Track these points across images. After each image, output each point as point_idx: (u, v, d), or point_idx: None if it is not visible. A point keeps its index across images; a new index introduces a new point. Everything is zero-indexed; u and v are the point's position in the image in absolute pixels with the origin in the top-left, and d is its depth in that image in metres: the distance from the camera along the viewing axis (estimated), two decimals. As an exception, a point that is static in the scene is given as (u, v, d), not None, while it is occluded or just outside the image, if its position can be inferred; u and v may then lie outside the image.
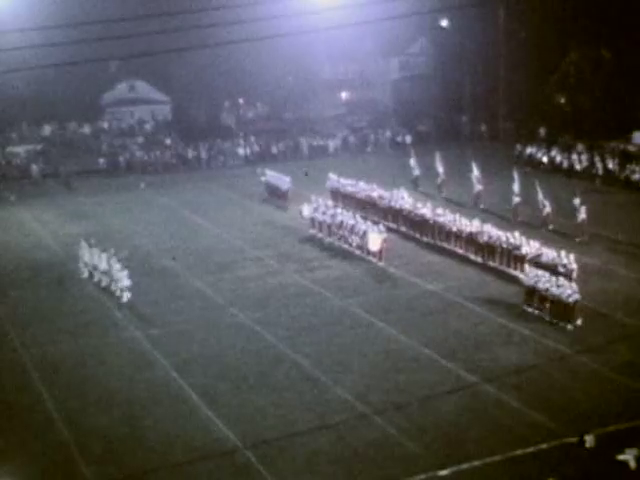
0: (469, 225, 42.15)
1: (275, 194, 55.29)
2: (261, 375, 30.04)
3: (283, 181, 55.06)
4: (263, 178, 57.10)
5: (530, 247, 38.05)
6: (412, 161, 55.96)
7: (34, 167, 67.00)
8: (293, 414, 27.19)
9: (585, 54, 70.30)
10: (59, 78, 68.84)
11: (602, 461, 23.48)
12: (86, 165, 67.97)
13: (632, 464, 23.00)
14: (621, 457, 23.17)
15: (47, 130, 75.92)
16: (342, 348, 32.05)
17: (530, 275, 34.69)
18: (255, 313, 35.86)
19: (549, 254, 37.02)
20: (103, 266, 39.01)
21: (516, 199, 47.59)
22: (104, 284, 38.84)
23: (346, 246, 43.87)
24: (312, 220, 47.04)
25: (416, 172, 55.49)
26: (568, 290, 32.84)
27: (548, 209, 45.33)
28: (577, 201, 44.06)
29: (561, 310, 32.93)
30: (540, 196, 45.58)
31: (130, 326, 34.99)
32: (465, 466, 23.87)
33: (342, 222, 44.62)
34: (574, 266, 35.91)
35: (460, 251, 42.24)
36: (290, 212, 51.54)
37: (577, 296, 32.69)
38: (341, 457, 24.66)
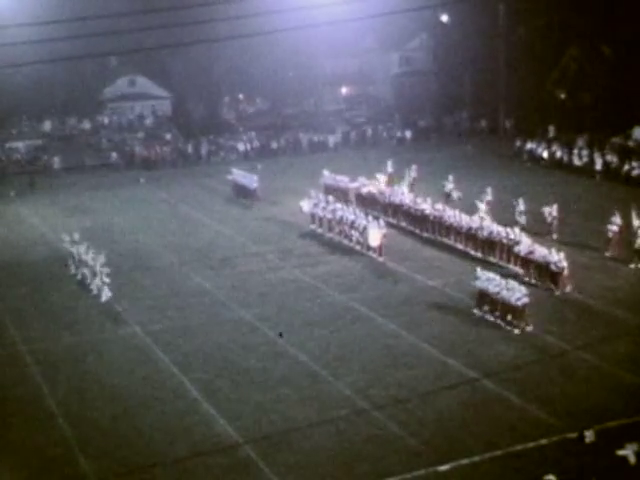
0: (469, 220, 42.18)
1: (243, 193, 55.19)
2: (261, 370, 30.07)
3: (250, 180, 54.98)
4: (230, 177, 56.92)
5: (523, 244, 38.10)
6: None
7: (56, 159, 67.27)
8: (293, 409, 27.22)
9: (585, 50, 70.29)
10: (59, 73, 68.87)
11: (602, 456, 23.50)
12: (86, 160, 68.13)
13: (632, 459, 23.01)
14: (621, 452, 23.17)
15: (47, 125, 75.87)
16: (342, 343, 32.08)
17: (482, 278, 34.28)
18: (255, 308, 35.88)
19: (540, 251, 37.00)
20: (89, 263, 38.83)
21: (487, 198, 47.26)
22: (88, 281, 38.67)
23: (346, 241, 43.88)
24: (312, 215, 47.05)
25: (389, 169, 55.25)
26: (517, 293, 32.46)
27: (521, 207, 45.05)
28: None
29: (511, 314, 32.60)
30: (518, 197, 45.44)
31: (130, 321, 35.01)
32: (465, 461, 23.90)
33: (342, 217, 44.63)
34: (564, 264, 35.88)
35: (460, 246, 42.27)
36: (258, 210, 51.95)
37: (526, 300, 32.30)
38: (341, 452, 24.69)
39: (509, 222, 42.61)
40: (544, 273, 36.56)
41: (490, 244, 40.33)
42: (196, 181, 61.78)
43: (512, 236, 39.25)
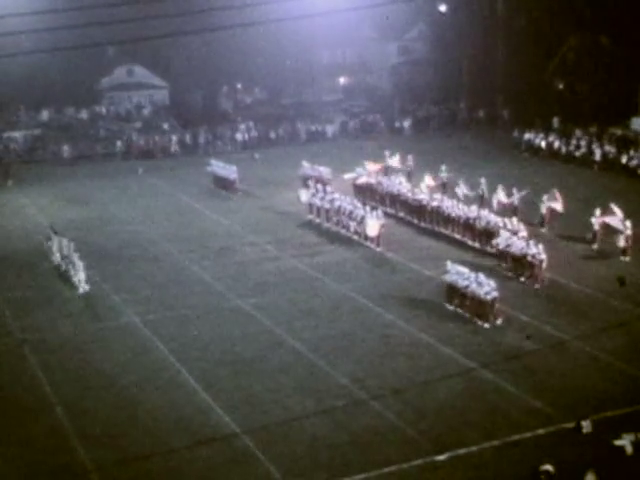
0: (467, 210, 42.20)
1: (222, 184, 55.13)
2: (259, 360, 30.10)
3: (230, 171, 54.97)
4: (209, 168, 56.86)
5: (502, 236, 38.03)
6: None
7: (65, 148, 67.35)
8: (291, 399, 27.24)
9: (584, 40, 70.24)
10: (56, 63, 68.71)
11: (599, 446, 23.55)
12: (85, 149, 68.23)
13: (629, 449, 23.09)
14: (618, 442, 23.25)
15: (45, 115, 75.75)
16: (340, 333, 32.09)
17: (451, 272, 33.95)
18: (253, 298, 35.89)
19: (518, 244, 36.89)
20: (65, 253, 38.66)
21: (482, 188, 47.39)
22: (63, 269, 38.51)
23: (344, 231, 43.89)
24: (310, 205, 47.06)
25: (388, 161, 55.28)
26: (486, 287, 32.11)
27: (516, 199, 45.20)
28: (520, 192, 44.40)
29: (479, 308, 32.33)
30: (515, 187, 45.53)
31: (128, 311, 35.01)
32: (462, 451, 23.94)
33: (340, 207, 44.64)
34: (543, 256, 35.78)
35: (457, 236, 42.28)
36: (256, 200, 51.94)
37: (495, 294, 31.98)
38: (339, 442, 24.71)
39: (506, 213, 42.82)
40: (522, 266, 36.43)
41: (488, 234, 40.32)
42: (194, 171, 61.63)
43: (510, 226, 39.29)
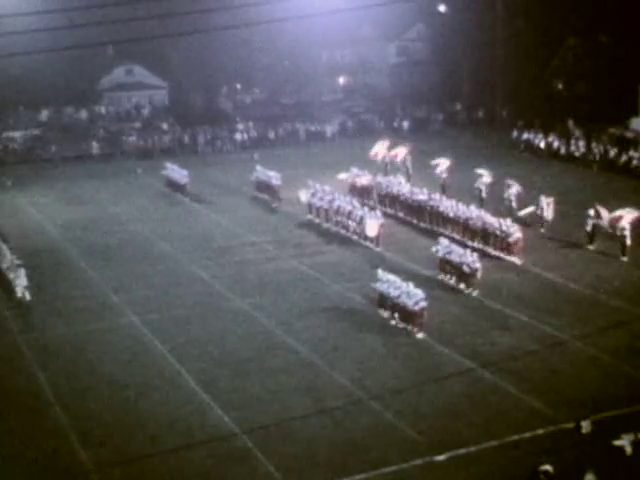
0: (466, 211, 42.22)
1: (174, 187, 55.16)
2: (258, 360, 30.10)
3: (181, 174, 55.01)
4: (164, 172, 56.83)
5: (442, 244, 37.66)
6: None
7: (94, 144, 67.76)
8: (290, 399, 27.26)
9: (583, 40, 70.28)
10: (56, 63, 68.64)
11: (598, 447, 23.56)
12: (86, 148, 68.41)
13: (628, 449, 23.09)
14: (617, 442, 23.24)
15: (44, 115, 75.70)
16: (339, 333, 32.11)
17: (382, 280, 33.56)
18: (252, 298, 35.89)
19: (457, 251, 36.52)
20: (7, 259, 38.03)
21: (484, 183, 47.64)
22: (11, 276, 37.51)
23: (343, 231, 43.90)
24: (309, 205, 47.06)
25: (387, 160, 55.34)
26: (415, 298, 31.72)
27: (513, 197, 45.34)
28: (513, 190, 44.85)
29: (408, 318, 32.03)
30: (511, 186, 45.68)
31: (127, 311, 35.02)
32: (462, 451, 23.95)
33: (339, 208, 44.64)
34: (477, 265, 35.41)
35: (457, 237, 42.28)
36: (255, 200, 51.70)
37: (423, 304, 31.66)
38: (338, 442, 24.73)
39: (504, 213, 42.94)
40: (459, 274, 36.12)
41: (486, 235, 40.36)
42: (193, 171, 61.52)
43: (504, 227, 39.35)
